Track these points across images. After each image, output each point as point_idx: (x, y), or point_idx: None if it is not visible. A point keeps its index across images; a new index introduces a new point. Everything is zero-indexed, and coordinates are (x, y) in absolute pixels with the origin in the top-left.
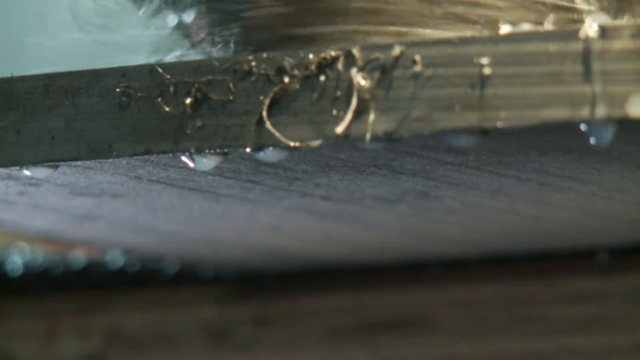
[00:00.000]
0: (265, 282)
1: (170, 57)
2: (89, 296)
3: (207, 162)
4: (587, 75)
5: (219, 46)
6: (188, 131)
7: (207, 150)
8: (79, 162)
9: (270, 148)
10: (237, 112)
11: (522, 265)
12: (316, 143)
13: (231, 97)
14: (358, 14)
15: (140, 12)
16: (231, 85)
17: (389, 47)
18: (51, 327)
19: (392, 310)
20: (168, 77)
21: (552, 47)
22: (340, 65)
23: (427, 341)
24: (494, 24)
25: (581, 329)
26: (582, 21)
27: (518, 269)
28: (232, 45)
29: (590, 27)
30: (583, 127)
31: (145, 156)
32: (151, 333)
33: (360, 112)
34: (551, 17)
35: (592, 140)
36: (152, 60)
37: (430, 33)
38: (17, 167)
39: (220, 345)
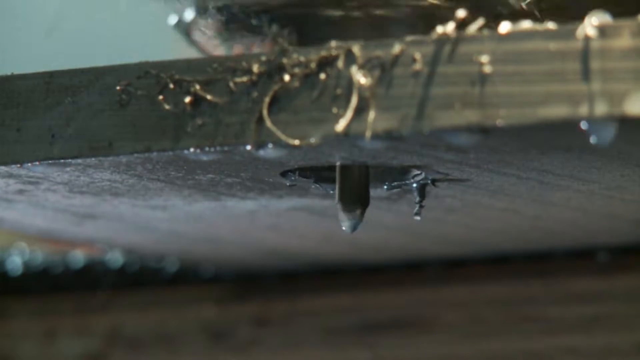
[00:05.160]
0: (265, 282)
1: (171, 56)
2: (89, 296)
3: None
4: (586, 73)
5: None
6: (188, 129)
7: (207, 148)
8: (79, 160)
9: (271, 146)
10: (237, 110)
11: (522, 265)
12: (316, 141)
13: (231, 96)
14: None
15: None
16: (231, 83)
17: (389, 45)
18: (51, 327)
19: (392, 310)
20: (168, 75)
21: (552, 45)
22: (340, 63)
23: (427, 341)
24: None
25: (581, 329)
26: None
27: (518, 269)
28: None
29: (590, 26)
30: (583, 125)
31: (146, 154)
32: (151, 333)
33: (360, 110)
34: None
35: (592, 139)
36: (153, 58)
37: None
38: (18, 165)
39: (220, 345)
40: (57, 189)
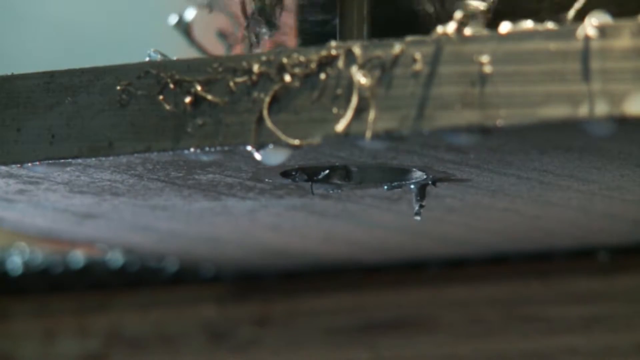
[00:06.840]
0: (265, 282)
1: (171, 56)
2: (89, 296)
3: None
4: (586, 73)
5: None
6: (188, 129)
7: (207, 148)
8: (79, 160)
9: (271, 146)
10: (238, 110)
11: (522, 265)
12: (316, 141)
13: (231, 96)
14: None
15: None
16: (231, 83)
17: (389, 45)
18: (51, 327)
19: (392, 310)
20: (168, 75)
21: (552, 45)
22: (340, 63)
23: (427, 341)
24: None
25: (581, 329)
26: None
27: (518, 269)
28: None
29: (590, 26)
30: (583, 125)
31: (146, 154)
32: (151, 333)
33: (360, 110)
34: None
35: (592, 138)
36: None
37: None
38: (18, 165)
39: (220, 345)
40: (57, 189)
